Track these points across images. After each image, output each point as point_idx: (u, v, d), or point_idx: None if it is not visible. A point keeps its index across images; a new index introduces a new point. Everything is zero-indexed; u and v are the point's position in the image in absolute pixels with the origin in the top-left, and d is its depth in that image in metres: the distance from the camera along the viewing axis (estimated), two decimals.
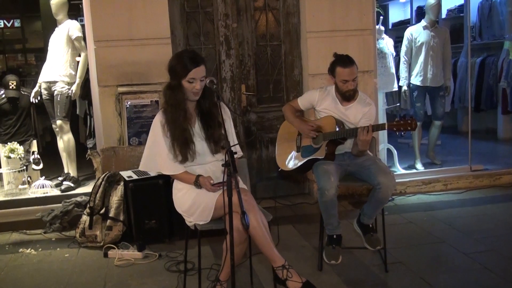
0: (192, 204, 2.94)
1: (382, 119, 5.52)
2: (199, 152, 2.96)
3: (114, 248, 3.93)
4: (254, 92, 5.09)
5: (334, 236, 3.52)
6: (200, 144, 2.98)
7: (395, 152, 5.61)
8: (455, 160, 5.96)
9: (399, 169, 5.59)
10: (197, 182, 2.91)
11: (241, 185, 3.08)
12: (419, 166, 5.72)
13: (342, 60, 3.54)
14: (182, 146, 2.91)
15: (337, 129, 3.48)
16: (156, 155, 2.98)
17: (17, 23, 11.64)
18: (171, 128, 2.92)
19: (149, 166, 3.05)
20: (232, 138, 3.07)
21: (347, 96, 3.57)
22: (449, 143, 7.16)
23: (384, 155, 5.53)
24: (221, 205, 2.74)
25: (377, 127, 3.33)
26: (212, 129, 2.98)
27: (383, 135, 5.64)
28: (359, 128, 3.32)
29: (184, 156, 2.92)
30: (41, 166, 5.43)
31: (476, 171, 5.48)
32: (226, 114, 3.05)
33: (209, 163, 3.02)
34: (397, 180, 5.07)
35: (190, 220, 2.99)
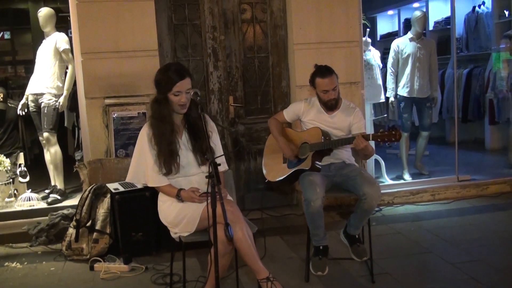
0: (177, 215, 2.95)
1: (370, 130, 5.55)
2: (183, 164, 2.98)
3: (100, 261, 3.90)
4: (242, 103, 5.10)
5: (321, 247, 3.52)
6: (186, 156, 2.99)
7: (382, 162, 5.64)
8: (443, 170, 5.99)
9: (387, 180, 5.61)
10: (179, 195, 2.93)
11: (228, 196, 3.09)
12: (407, 176, 5.75)
13: (320, 71, 3.59)
14: (167, 159, 2.93)
15: (323, 140, 3.50)
16: (142, 167, 3.00)
17: (7, 35, 11.61)
18: (157, 141, 2.94)
19: (135, 178, 3.07)
20: (219, 152, 3.09)
21: (329, 105, 3.61)
22: (437, 153, 7.20)
23: (372, 166, 5.55)
24: (206, 216, 2.74)
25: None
26: (199, 140, 3.00)
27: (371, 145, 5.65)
28: (354, 141, 3.33)
29: (168, 169, 2.94)
30: (27, 178, 5.40)
31: (463, 181, 5.51)
32: (212, 128, 3.08)
33: (194, 175, 3.03)
34: (385, 191, 5.13)
35: (175, 231, 2.99)
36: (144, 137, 2.99)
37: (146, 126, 3.02)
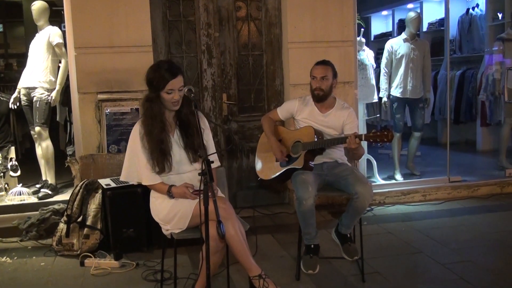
0: (169, 212, 2.95)
1: (363, 130, 5.57)
2: (176, 161, 2.98)
3: (90, 257, 3.88)
4: (236, 101, 5.09)
5: (312, 246, 3.53)
6: (178, 153, 2.99)
7: (374, 162, 5.65)
8: (434, 171, 6.03)
9: (378, 180, 5.63)
10: (170, 192, 2.92)
11: (219, 194, 3.09)
12: (399, 176, 5.77)
13: (319, 61, 3.70)
14: (159, 158, 2.92)
15: (316, 139, 3.51)
16: (135, 165, 2.99)
17: None
18: (149, 139, 2.93)
19: (129, 176, 3.05)
20: (211, 148, 3.09)
21: (316, 95, 3.62)
22: (428, 154, 7.23)
23: (364, 166, 5.57)
24: (198, 213, 2.74)
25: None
26: (191, 137, 2.99)
27: (363, 145, 5.67)
28: (347, 140, 3.33)
29: (161, 167, 2.94)
30: (18, 173, 5.36)
31: (455, 182, 5.54)
32: (204, 124, 3.07)
33: (187, 172, 3.02)
34: (376, 191, 5.15)
35: (167, 228, 2.99)
36: (136, 135, 2.97)
37: (138, 124, 3.01)
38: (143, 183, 3.00)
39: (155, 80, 2.88)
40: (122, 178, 3.09)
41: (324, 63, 3.67)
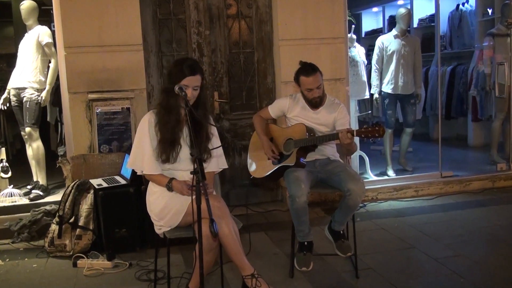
0: (164, 207, 2.95)
1: (354, 126, 5.56)
2: (181, 157, 2.98)
3: (83, 258, 3.86)
4: (227, 99, 5.08)
5: (305, 243, 3.53)
6: (184, 150, 2.99)
7: (367, 159, 5.66)
8: (426, 166, 6.05)
9: (371, 176, 5.64)
10: (169, 184, 2.93)
11: (213, 192, 3.09)
12: (391, 172, 5.79)
13: (305, 69, 3.58)
14: (168, 146, 2.95)
15: (307, 136, 3.51)
16: (141, 154, 3.01)
17: None
18: (162, 128, 2.96)
19: (135, 164, 3.06)
20: (222, 160, 3.19)
21: (314, 103, 3.61)
22: (420, 150, 7.26)
23: (356, 162, 5.58)
24: (191, 211, 2.74)
25: None
26: (199, 139, 2.99)
27: (355, 142, 5.68)
28: (340, 135, 3.32)
29: (166, 157, 2.95)
30: (9, 174, 5.32)
31: (446, 177, 5.57)
32: (213, 131, 3.12)
33: (187, 170, 3.01)
34: (369, 187, 5.16)
35: (160, 224, 2.99)
36: (145, 124, 3.00)
37: (149, 113, 3.04)
38: (145, 172, 3.01)
39: (174, 73, 2.94)
40: (128, 166, 3.13)
41: (313, 70, 3.56)
